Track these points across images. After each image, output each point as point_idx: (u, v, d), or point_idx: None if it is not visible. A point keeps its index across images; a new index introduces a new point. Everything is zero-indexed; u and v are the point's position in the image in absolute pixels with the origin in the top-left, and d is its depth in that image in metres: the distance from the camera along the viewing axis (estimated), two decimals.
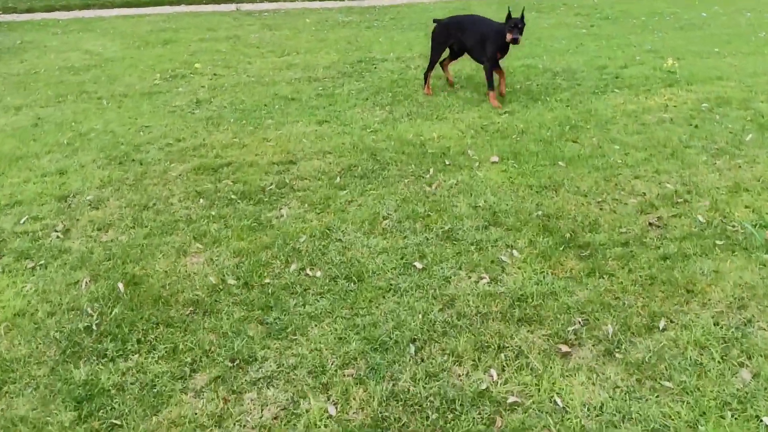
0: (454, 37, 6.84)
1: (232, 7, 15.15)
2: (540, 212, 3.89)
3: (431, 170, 4.64)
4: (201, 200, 4.16)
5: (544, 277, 3.14)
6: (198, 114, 6.29)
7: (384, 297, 3.01)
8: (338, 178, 4.50)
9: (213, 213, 3.95)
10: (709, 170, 4.55)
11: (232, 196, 4.21)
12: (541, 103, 6.46)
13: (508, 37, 6.23)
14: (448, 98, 6.73)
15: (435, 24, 7.03)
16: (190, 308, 2.97)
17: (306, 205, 4.07)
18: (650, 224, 3.73)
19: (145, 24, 12.38)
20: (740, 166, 4.62)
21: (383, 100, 6.75)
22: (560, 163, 4.72)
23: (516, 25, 6.22)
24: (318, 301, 3.00)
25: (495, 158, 4.85)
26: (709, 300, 2.95)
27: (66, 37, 11.23)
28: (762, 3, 15.09)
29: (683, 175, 4.45)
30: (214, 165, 4.76)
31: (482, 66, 6.76)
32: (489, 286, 3.09)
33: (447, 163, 4.79)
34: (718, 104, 6.27)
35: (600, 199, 4.08)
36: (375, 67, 8.46)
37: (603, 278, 3.14)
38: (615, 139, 5.28)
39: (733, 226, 3.68)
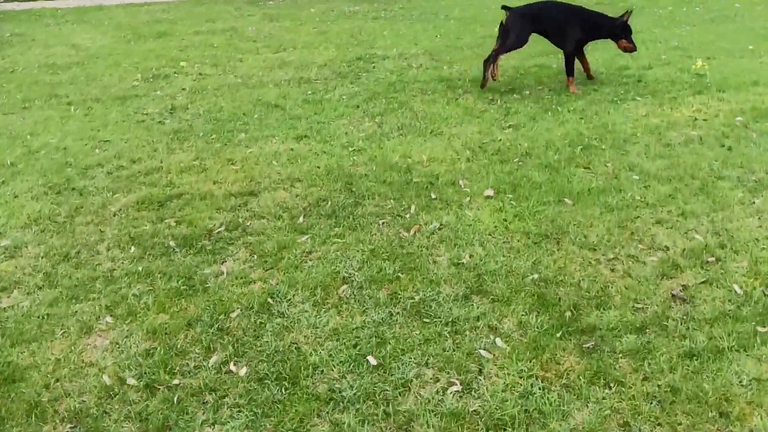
0: (536, 25, 6.37)
1: None
2: (536, 275, 3.10)
3: (413, 207, 3.86)
4: (132, 248, 3.44)
5: (531, 386, 2.36)
6: (167, 125, 5.56)
7: (319, 414, 2.26)
8: (302, 217, 3.75)
9: (140, 268, 3.23)
10: (747, 212, 3.70)
11: (171, 243, 3.48)
12: (551, 115, 5.61)
13: (622, 44, 6.23)
14: (447, 107, 5.91)
15: (509, 12, 6.32)
16: (69, 425, 2.26)
17: (255, 256, 3.33)
18: (673, 296, 2.92)
19: (143, 14, 11.66)
20: None
21: (375, 108, 5.96)
22: (566, 199, 3.91)
23: (629, 30, 6.16)
24: (233, 418, 2.26)
25: (490, 191, 4.05)
26: None
27: (58, 29, 10.56)
28: None
29: (715, 220, 3.62)
30: (161, 197, 4.03)
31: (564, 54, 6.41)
32: (459, 398, 2.32)
33: (433, 197, 4.01)
34: (755, 118, 5.37)
35: (612, 256, 3.27)
36: (374, 66, 7.64)
37: (609, 388, 2.35)
38: (634, 165, 4.44)
39: None
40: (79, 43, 9.23)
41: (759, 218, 3.64)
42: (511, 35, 6.33)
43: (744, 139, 4.88)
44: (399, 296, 2.93)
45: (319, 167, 4.50)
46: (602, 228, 3.55)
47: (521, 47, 6.50)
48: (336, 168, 4.48)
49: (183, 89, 6.77)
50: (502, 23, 6.38)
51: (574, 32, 6.28)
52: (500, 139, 5.03)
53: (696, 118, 5.42)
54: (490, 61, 6.42)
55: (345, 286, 3.00)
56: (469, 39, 9.20)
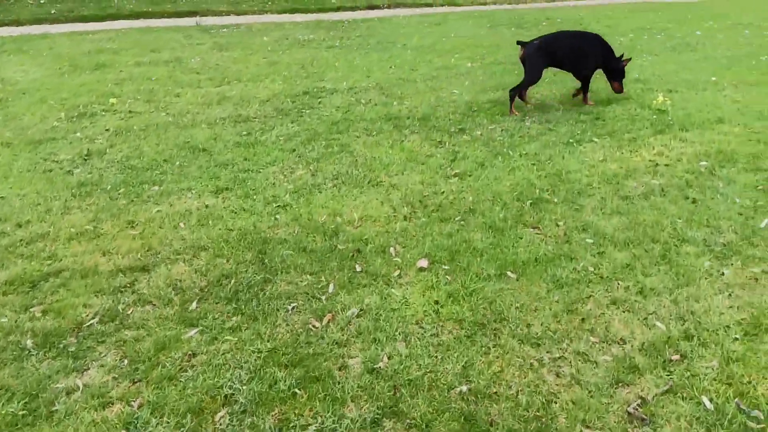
0: (552, 57, 6.42)
1: (194, 21, 13.72)
2: (466, 387, 2.49)
3: (332, 285, 3.24)
4: None
5: None
6: (75, 176, 4.89)
7: None
8: (195, 302, 3.10)
9: None
10: (715, 288, 3.16)
11: (28, 342, 2.81)
12: (501, 160, 5.06)
13: (615, 85, 6.67)
14: (390, 151, 5.33)
15: (526, 46, 6.37)
16: None
17: (126, 361, 2.67)
18: (630, 414, 2.34)
19: (87, 43, 10.95)
20: (757, 279, 3.23)
21: (312, 152, 5.36)
22: (510, 272, 3.33)
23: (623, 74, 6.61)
24: None
25: (424, 262, 3.46)
26: None
27: None
28: (759, 17, 13.70)
29: (679, 299, 3.06)
30: (36, 275, 3.36)
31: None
32: None
33: (358, 269, 3.40)
34: (720, 162, 4.88)
35: (558, 354, 2.68)
36: (320, 102, 7.06)
37: None
38: (588, 224, 3.88)
39: (757, 421, 2.30)
40: (8, 77, 8.50)
41: (729, 295, 3.09)
42: (527, 71, 6.38)
43: (710, 189, 4.37)
44: (291, 424, 2.30)
45: (232, 230, 3.87)
46: (548, 313, 2.97)
47: (536, 82, 6.55)
48: (252, 231, 3.85)
49: (106, 130, 6.10)
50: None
51: (593, 59, 6.45)
52: (443, 192, 4.45)
53: (657, 163, 4.91)
54: (516, 93, 6.49)
55: (224, 411, 2.36)
56: (424, 70, 8.69)
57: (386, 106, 6.85)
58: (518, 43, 6.45)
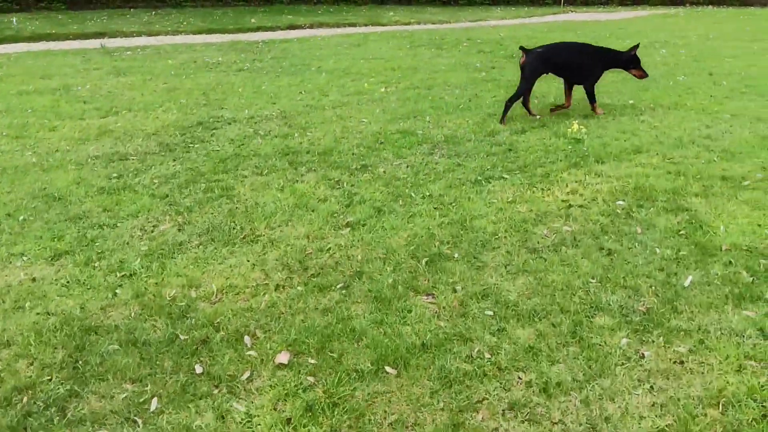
0: (550, 66, 6.43)
1: (99, 42, 12.64)
2: None
3: (155, 401, 2.45)
4: None
5: None
6: None
7: None
8: None
9: None
10: (634, 378, 2.54)
11: None
12: (401, 204, 4.39)
13: (634, 72, 6.54)
14: (279, 195, 4.59)
15: (526, 53, 6.33)
16: None
17: None
18: None
19: None
20: (683, 362, 2.63)
21: (188, 198, 4.55)
22: (389, 367, 2.62)
23: (638, 60, 6.46)
24: None
25: (284, 356, 2.71)
26: None
27: None
28: (674, 35, 13.67)
29: (590, 399, 2.42)
30: None
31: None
32: None
33: (198, 371, 2.62)
34: (639, 201, 4.35)
35: None
36: (213, 135, 6.25)
37: None
38: (489, 288, 3.23)
39: None
40: None
41: (651, 388, 2.47)
42: (524, 79, 6.34)
43: (627, 236, 3.81)
44: None
45: (51, 315, 3.02)
46: (429, 430, 2.27)
47: (530, 90, 6.57)
48: (77, 317, 3.01)
49: None
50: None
51: (595, 68, 6.48)
52: (330, 248, 3.73)
53: (570, 204, 4.33)
54: (512, 103, 6.43)
55: None
56: (335, 96, 7.99)
57: (286, 138, 6.10)
58: (521, 48, 6.40)
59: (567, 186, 4.68)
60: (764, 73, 8.87)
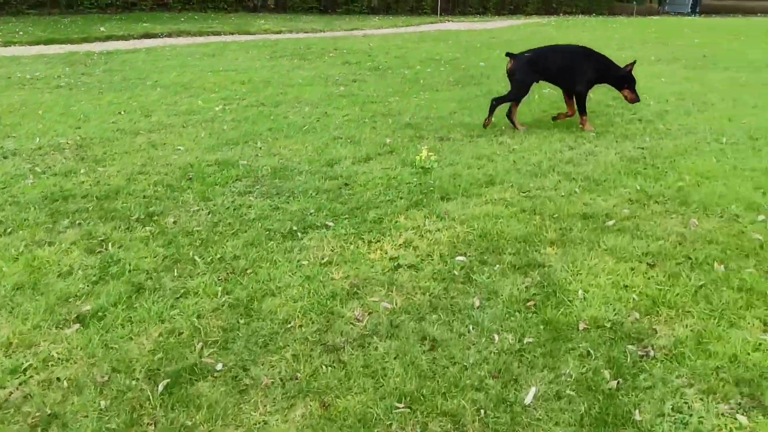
0: (542, 72, 5.84)
1: None
2: None
3: None
4: None
5: None
6: None
7: None
8: None
9: None
10: None
11: None
12: (176, 275, 3.18)
13: (626, 93, 5.85)
14: (7, 269, 3.22)
15: (514, 59, 5.81)
16: None
17: None
18: None
19: None
20: None
21: None
22: None
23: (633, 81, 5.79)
24: None
25: None
26: None
27: None
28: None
29: None
30: None
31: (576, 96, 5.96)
32: None
33: None
34: (483, 255, 3.39)
35: None
36: None
37: None
38: None
39: None
40: None
41: None
42: (513, 86, 5.84)
43: (461, 314, 2.82)
44: None
45: None
46: None
47: (522, 98, 5.97)
48: None
49: None
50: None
51: (587, 73, 5.82)
52: (29, 368, 2.45)
53: (399, 264, 3.30)
54: (499, 104, 5.97)
55: None
56: (159, 116, 6.63)
57: (67, 176, 4.72)
58: (507, 54, 5.92)
59: (401, 236, 3.64)
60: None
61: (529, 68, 5.76)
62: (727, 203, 4.07)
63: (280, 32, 16.92)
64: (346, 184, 4.55)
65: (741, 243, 3.49)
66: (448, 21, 21.68)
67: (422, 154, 4.97)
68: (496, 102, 5.89)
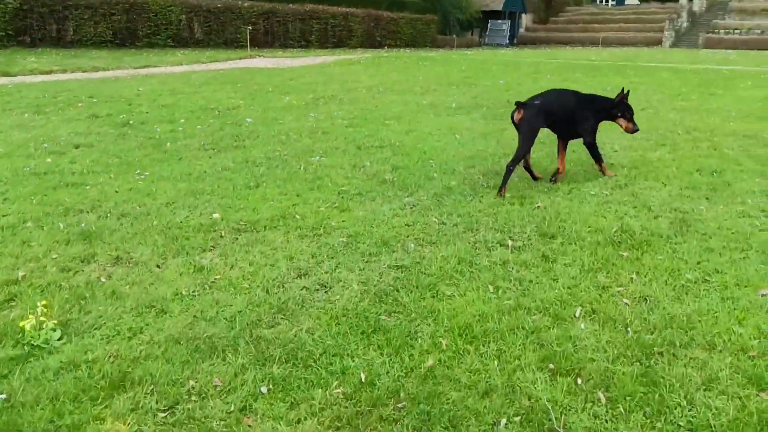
0: (549, 120, 5.18)
1: None
2: None
3: None
4: None
5: None
6: None
7: None
8: None
9: None
10: None
11: None
12: None
13: (627, 126, 5.18)
14: None
15: (524, 109, 5.06)
16: None
17: None
18: None
19: None
20: None
21: None
22: None
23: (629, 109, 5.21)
24: None
25: None
26: None
27: None
28: (346, 87, 11.72)
29: None
30: None
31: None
32: None
33: None
34: None
35: None
36: None
37: None
38: None
39: None
40: None
41: None
42: (524, 138, 5.10)
43: None
44: None
45: None
46: None
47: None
48: None
49: None
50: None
51: (591, 119, 5.27)
52: None
53: None
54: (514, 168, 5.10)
55: None
56: None
57: None
58: (517, 103, 5.17)
59: None
60: (416, 144, 6.91)
61: (539, 117, 5.13)
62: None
63: (50, 72, 13.98)
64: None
65: None
66: (259, 56, 19.76)
67: (27, 320, 2.85)
68: (512, 166, 5.04)
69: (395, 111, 9.15)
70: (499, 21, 43.46)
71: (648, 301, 3.19)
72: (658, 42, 37.80)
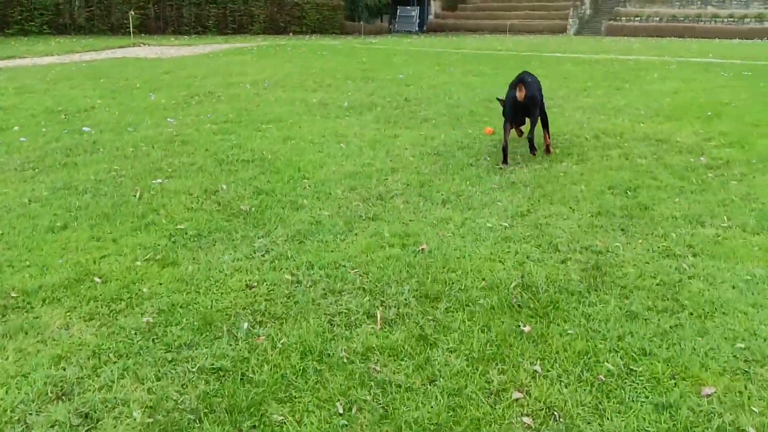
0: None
1: None
2: None
3: None
4: None
5: None
6: None
7: None
8: None
9: None
10: None
11: None
12: None
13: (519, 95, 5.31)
14: None
15: (525, 85, 5.28)
16: None
17: None
18: None
19: None
20: None
21: None
22: None
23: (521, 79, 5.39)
24: None
25: None
26: None
27: None
28: (229, 80, 10.37)
29: None
30: None
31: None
32: None
33: None
34: None
35: None
36: None
37: None
38: None
39: None
40: None
41: None
42: (542, 109, 5.61)
43: None
44: None
45: None
46: None
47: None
48: None
49: None
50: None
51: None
52: None
53: None
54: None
55: None
56: None
57: None
58: (520, 81, 5.27)
59: None
60: (292, 157, 5.79)
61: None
62: None
63: None
64: None
65: None
66: (143, 45, 17.82)
67: None
68: (532, 136, 5.53)
69: (277, 112, 7.94)
70: (409, 7, 42.66)
71: (556, 418, 2.24)
72: (564, 29, 38.25)
